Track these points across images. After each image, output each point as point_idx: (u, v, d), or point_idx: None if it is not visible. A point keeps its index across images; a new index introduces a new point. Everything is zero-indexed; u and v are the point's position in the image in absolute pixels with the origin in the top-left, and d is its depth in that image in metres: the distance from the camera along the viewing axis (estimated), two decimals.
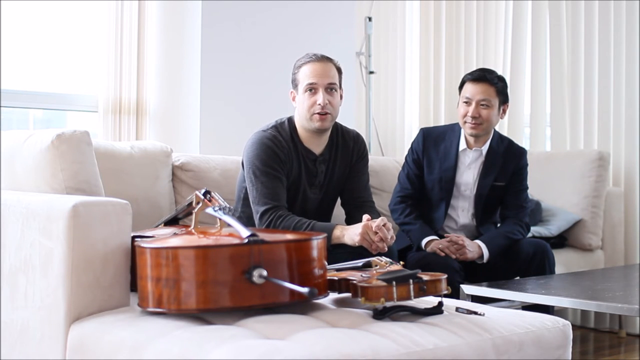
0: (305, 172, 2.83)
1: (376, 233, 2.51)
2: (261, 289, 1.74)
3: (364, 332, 1.71)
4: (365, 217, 2.60)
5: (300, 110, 2.77)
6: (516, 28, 4.60)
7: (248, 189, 2.76)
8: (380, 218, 2.56)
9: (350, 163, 2.92)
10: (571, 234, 4.05)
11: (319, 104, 2.71)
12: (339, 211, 3.00)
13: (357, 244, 2.55)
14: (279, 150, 2.74)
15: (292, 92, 2.83)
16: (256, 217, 2.71)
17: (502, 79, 3.23)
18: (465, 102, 3.20)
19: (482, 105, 3.17)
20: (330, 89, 2.74)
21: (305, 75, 2.73)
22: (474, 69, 3.51)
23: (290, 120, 2.85)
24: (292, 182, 2.80)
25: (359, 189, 2.92)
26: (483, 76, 3.19)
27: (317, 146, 2.85)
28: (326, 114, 2.73)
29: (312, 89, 2.72)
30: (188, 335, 1.69)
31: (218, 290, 1.74)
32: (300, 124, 2.81)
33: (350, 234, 2.58)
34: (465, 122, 3.21)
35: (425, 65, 4.62)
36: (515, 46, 4.59)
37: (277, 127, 2.81)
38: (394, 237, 2.58)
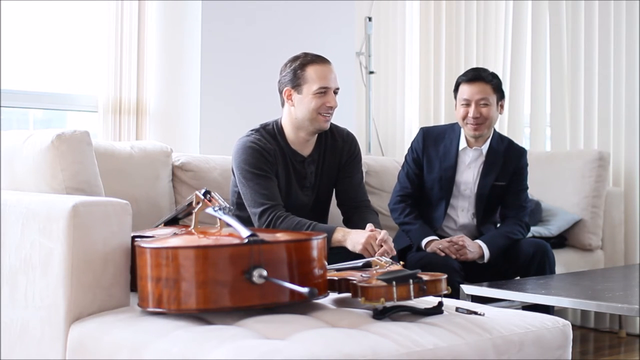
0: (295, 175, 2.82)
1: (380, 246, 2.51)
2: (261, 289, 1.74)
3: (364, 332, 1.71)
4: (369, 226, 2.59)
5: (303, 110, 2.74)
6: (516, 28, 4.59)
7: (242, 194, 2.75)
8: (383, 232, 2.55)
9: (340, 163, 2.91)
10: (571, 234, 4.05)
11: (330, 106, 2.73)
12: (336, 211, 2.99)
13: (358, 252, 2.54)
14: (264, 152, 2.73)
15: (288, 90, 2.77)
16: (254, 219, 2.70)
17: (495, 76, 3.23)
18: (464, 104, 3.19)
19: (482, 104, 3.17)
20: (336, 93, 2.76)
21: (317, 76, 2.71)
22: None
23: (277, 123, 2.84)
24: (281, 185, 2.79)
25: (352, 190, 2.91)
26: (478, 75, 3.19)
27: (305, 147, 2.84)
28: (330, 115, 2.75)
29: (324, 91, 2.72)
30: (188, 335, 1.69)
31: (218, 290, 1.74)
32: (296, 125, 2.79)
33: (353, 241, 2.57)
34: (466, 123, 3.20)
35: (425, 65, 4.61)
36: (515, 46, 4.59)
37: (260, 130, 2.81)
38: (394, 250, 2.58)
